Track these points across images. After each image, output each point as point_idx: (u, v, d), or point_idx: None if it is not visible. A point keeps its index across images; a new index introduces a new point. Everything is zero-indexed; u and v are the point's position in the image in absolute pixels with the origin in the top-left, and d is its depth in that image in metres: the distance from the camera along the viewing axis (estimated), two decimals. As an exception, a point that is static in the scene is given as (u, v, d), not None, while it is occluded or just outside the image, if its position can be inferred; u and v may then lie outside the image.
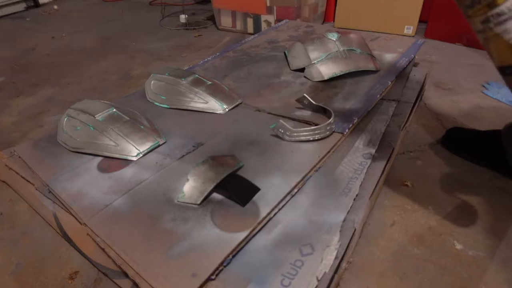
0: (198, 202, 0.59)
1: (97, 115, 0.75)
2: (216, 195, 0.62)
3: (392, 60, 1.07)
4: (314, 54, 1.00)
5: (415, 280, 0.59)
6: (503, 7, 0.44)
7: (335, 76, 0.97)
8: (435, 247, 0.64)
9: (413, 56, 1.08)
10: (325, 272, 0.50)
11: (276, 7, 1.65)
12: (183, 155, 0.72)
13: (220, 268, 0.50)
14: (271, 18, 1.69)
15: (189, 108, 0.87)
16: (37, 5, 2.41)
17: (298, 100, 0.84)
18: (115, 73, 1.41)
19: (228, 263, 0.51)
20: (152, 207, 0.60)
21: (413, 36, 1.66)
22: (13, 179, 0.76)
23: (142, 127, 0.76)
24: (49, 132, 0.82)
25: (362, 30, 1.69)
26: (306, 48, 1.02)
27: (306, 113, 0.83)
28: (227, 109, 0.86)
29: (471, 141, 0.85)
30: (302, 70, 1.02)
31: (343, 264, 0.57)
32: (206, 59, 1.17)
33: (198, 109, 0.87)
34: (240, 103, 0.90)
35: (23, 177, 0.71)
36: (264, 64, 1.10)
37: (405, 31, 1.67)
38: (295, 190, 0.63)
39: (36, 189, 0.68)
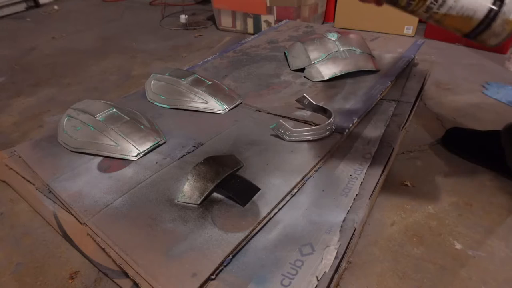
0: (198, 202, 0.59)
1: (97, 115, 0.75)
2: (216, 195, 0.62)
3: (392, 60, 1.07)
4: (314, 54, 1.00)
5: (415, 280, 0.59)
6: None
7: (335, 76, 0.97)
8: (435, 247, 0.64)
9: (413, 56, 1.08)
10: (325, 272, 0.50)
11: (276, 7, 1.65)
12: (183, 155, 0.72)
13: (220, 268, 0.50)
14: (271, 18, 1.69)
15: (189, 108, 0.87)
16: (37, 5, 2.41)
17: (298, 100, 0.84)
18: (115, 73, 1.41)
19: (228, 263, 0.51)
20: (152, 207, 0.60)
21: (413, 36, 1.66)
22: (14, 179, 0.76)
23: (142, 127, 0.76)
24: (49, 132, 0.82)
25: (362, 30, 1.69)
26: (306, 48, 1.02)
27: (306, 113, 0.83)
28: (227, 109, 0.87)
29: (470, 141, 0.85)
30: (302, 70, 1.02)
31: (343, 264, 0.57)
32: (206, 59, 1.17)
33: (198, 109, 0.87)
34: (240, 103, 0.90)
35: (23, 177, 0.72)
36: (264, 64, 1.10)
37: (405, 31, 1.67)
38: (295, 190, 0.63)
39: (37, 189, 0.68)
